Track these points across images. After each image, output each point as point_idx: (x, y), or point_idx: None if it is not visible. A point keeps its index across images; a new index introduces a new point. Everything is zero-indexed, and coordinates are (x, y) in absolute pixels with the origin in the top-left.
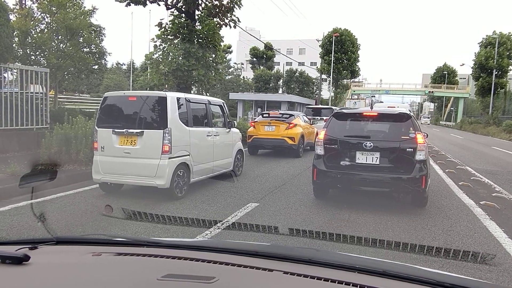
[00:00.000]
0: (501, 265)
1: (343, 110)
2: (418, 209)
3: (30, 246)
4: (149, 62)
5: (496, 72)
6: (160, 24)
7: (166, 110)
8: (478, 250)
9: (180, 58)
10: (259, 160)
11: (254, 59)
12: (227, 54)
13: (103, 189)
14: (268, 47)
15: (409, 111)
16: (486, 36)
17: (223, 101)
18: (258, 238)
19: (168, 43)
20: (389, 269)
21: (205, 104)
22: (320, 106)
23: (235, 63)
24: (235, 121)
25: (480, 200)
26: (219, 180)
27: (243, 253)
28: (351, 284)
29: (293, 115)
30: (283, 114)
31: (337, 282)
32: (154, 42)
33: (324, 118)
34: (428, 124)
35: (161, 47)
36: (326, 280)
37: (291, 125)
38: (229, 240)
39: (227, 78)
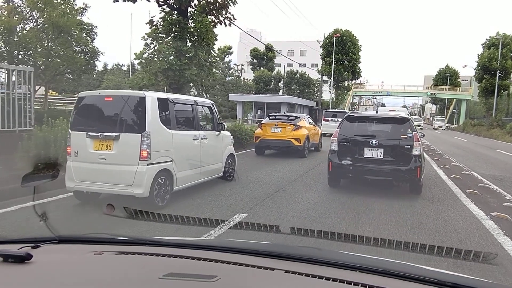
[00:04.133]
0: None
1: (353, 114)
2: (424, 222)
3: (32, 244)
4: (138, 61)
5: (500, 74)
6: (151, 22)
7: (145, 112)
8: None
9: (172, 57)
10: (258, 163)
11: (255, 60)
12: (227, 56)
13: (78, 198)
14: (269, 48)
15: (408, 114)
16: (490, 37)
17: (213, 102)
18: (260, 237)
19: (160, 41)
20: (390, 268)
21: (192, 105)
22: (336, 110)
23: (235, 64)
24: (224, 124)
25: (491, 210)
26: (207, 187)
27: (244, 252)
28: (352, 283)
29: (299, 117)
30: (289, 116)
31: (338, 281)
32: (145, 40)
33: (340, 119)
34: (443, 129)
35: (152, 45)
36: (327, 279)
37: (297, 126)
38: (230, 239)
39: (227, 79)
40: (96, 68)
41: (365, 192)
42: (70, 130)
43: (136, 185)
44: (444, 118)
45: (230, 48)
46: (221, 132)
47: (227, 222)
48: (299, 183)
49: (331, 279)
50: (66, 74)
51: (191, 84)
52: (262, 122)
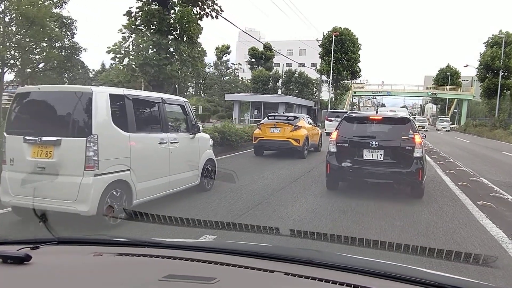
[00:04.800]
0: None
1: (353, 114)
2: (433, 247)
3: (31, 246)
4: (112, 55)
5: (503, 73)
6: (129, 13)
7: (91, 111)
8: None
9: (150, 52)
10: (246, 167)
11: (253, 59)
12: (225, 55)
13: (18, 214)
14: (268, 47)
15: (409, 114)
16: (492, 35)
17: (186, 100)
18: (259, 239)
19: (140, 34)
20: (390, 271)
21: (158, 103)
22: (339, 110)
23: (232, 63)
24: (200, 125)
25: None
26: (180, 198)
27: (244, 254)
28: (352, 286)
29: (298, 117)
30: (288, 116)
31: (338, 283)
32: (123, 33)
33: None
34: (448, 130)
35: (130, 38)
36: (327, 281)
37: (296, 127)
38: (230, 241)
39: (225, 78)
40: (86, 66)
41: (362, 204)
42: (5, 133)
43: (80, 201)
44: (448, 119)
45: (228, 47)
46: (197, 134)
47: None
48: (287, 192)
49: (330, 281)
50: (46, 71)
51: (168, 80)
52: (261, 122)
